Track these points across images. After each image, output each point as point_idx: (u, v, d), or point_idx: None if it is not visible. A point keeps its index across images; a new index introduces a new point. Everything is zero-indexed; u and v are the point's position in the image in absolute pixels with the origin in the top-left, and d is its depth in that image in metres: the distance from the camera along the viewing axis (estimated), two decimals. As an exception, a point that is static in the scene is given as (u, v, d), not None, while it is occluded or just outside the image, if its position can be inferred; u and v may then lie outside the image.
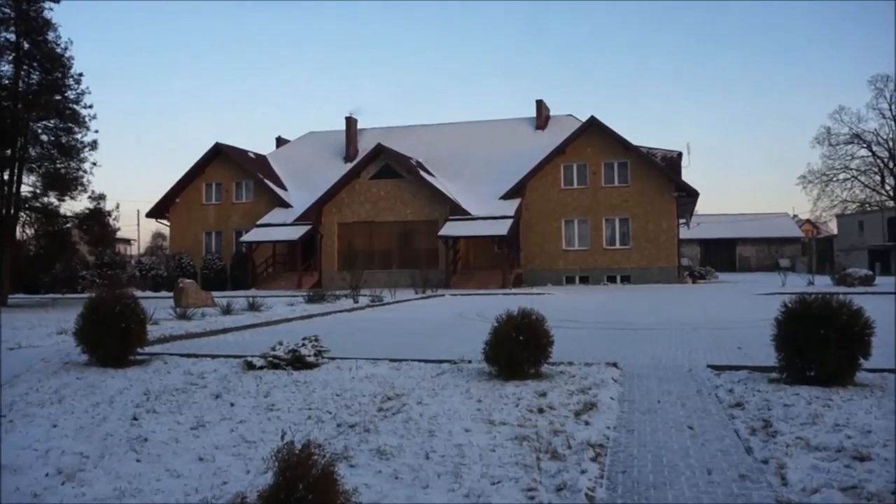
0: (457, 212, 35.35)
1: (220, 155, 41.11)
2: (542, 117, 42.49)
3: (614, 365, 8.10)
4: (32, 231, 26.99)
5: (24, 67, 25.76)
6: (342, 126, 44.42)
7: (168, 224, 42.70)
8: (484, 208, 35.47)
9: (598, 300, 22.09)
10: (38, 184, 26.16)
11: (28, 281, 33.81)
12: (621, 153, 35.48)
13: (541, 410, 6.09)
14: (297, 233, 37.04)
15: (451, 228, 34.71)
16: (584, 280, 35.98)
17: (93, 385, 7.73)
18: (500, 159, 39.35)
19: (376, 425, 5.79)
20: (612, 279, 35.60)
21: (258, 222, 38.57)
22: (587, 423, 5.69)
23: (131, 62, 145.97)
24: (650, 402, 6.36)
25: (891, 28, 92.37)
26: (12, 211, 25.37)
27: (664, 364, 8.32)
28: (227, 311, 16.40)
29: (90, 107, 27.12)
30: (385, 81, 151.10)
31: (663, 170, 35.07)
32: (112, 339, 8.78)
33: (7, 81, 25.72)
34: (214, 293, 22.86)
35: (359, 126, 44.84)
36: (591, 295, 25.53)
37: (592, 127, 35.96)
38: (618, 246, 35.81)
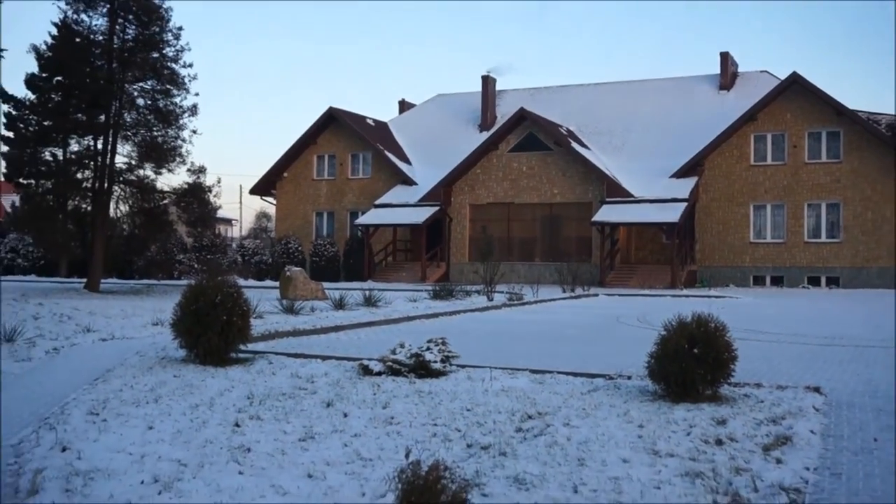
0: (615, 192, 36.13)
1: (333, 122, 43.66)
2: (728, 74, 42.36)
3: (816, 390, 7.97)
4: (126, 208, 28.18)
5: (119, 20, 27.01)
6: (477, 87, 45.96)
7: (274, 202, 45.90)
8: (650, 189, 35.94)
9: (795, 307, 22.37)
10: (134, 154, 27.52)
11: (121, 264, 36.27)
12: (832, 119, 35.09)
13: (719, 442, 6.09)
14: (421, 215, 38.59)
15: (607, 213, 35.43)
16: (778, 281, 35.97)
17: (191, 385, 8.38)
18: (671, 127, 39.83)
19: (514, 448, 5.96)
20: (814, 281, 35.44)
21: (377, 202, 40.69)
22: (779, 462, 5.64)
23: (234, 15, 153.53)
24: (864, 440, 6.19)
25: None
26: (106, 184, 26.99)
27: (884, 391, 8.07)
28: (339, 305, 17.41)
29: (190, 65, 27.47)
30: (530, 30, 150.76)
31: (889, 141, 34.12)
32: (213, 333, 9.34)
33: (102, 37, 27.19)
34: (325, 284, 24.27)
35: (497, 87, 46.38)
36: (787, 300, 25.91)
37: (794, 86, 35.63)
38: (823, 239, 35.53)
